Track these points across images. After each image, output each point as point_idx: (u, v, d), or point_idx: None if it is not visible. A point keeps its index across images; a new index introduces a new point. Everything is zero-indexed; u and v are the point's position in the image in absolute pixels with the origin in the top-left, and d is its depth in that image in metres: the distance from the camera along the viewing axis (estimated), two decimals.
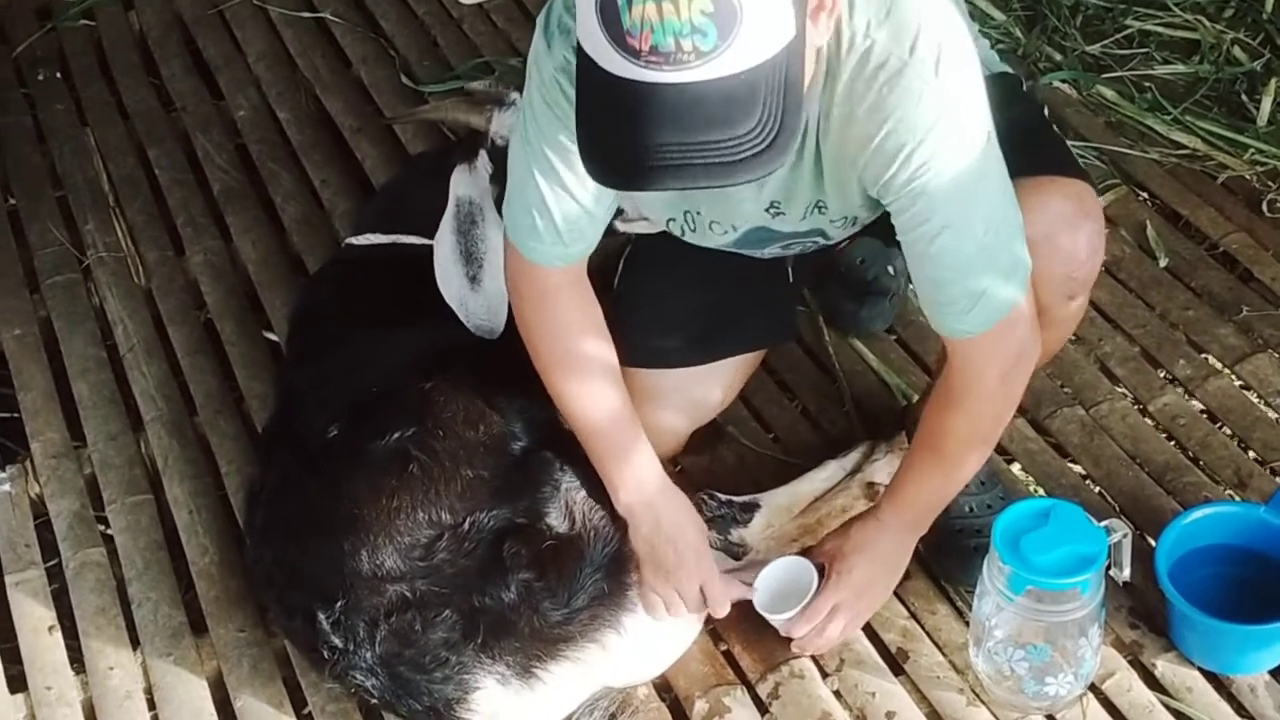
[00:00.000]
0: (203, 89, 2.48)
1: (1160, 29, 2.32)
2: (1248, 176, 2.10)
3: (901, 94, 1.23)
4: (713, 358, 1.70)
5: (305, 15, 2.60)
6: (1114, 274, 1.97)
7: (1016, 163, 1.32)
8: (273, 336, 2.04)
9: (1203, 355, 1.88)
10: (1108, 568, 1.46)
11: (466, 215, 1.75)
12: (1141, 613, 1.59)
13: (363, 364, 1.67)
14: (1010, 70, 1.59)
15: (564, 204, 1.37)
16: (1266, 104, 2.15)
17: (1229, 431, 1.80)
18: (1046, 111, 1.61)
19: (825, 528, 1.65)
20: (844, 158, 1.32)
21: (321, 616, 1.46)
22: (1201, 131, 2.15)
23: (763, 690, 1.57)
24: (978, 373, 1.40)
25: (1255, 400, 1.83)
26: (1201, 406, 1.83)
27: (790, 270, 1.75)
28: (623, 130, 1.09)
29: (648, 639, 1.54)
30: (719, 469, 1.79)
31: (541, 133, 1.34)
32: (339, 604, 1.45)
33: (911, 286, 1.46)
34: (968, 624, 1.56)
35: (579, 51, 1.12)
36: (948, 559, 1.64)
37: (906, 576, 1.63)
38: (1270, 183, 2.08)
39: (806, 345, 1.93)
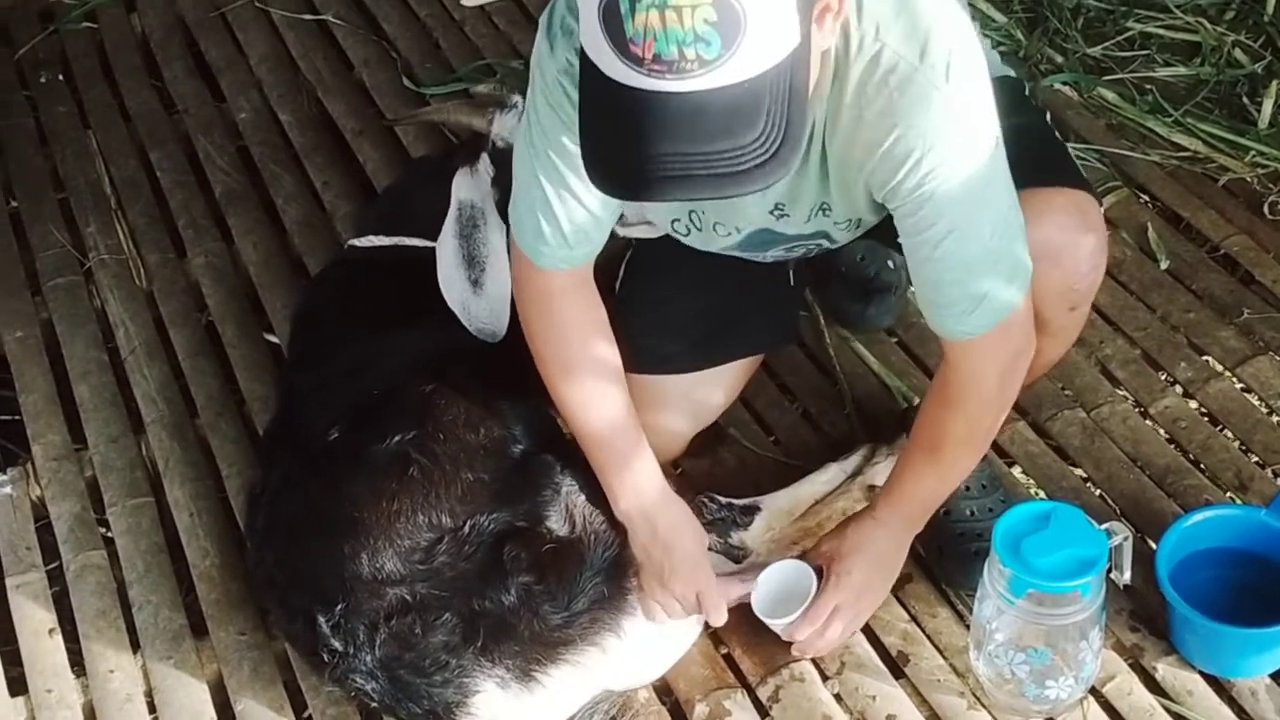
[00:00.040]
0: (204, 91, 2.49)
1: (1161, 31, 2.32)
2: (1249, 179, 2.10)
3: (912, 99, 1.23)
4: (715, 362, 1.70)
5: (307, 18, 2.60)
6: (1115, 276, 1.97)
7: (1020, 173, 1.32)
8: (274, 339, 2.04)
9: (1204, 358, 1.88)
10: (1108, 571, 1.46)
11: (468, 219, 1.76)
12: (1142, 616, 1.59)
13: (364, 366, 1.67)
14: (1012, 73, 1.59)
15: (569, 208, 1.36)
16: (1268, 106, 2.15)
17: (1230, 434, 1.79)
18: (1049, 117, 1.61)
19: (825, 531, 1.65)
20: (850, 161, 1.31)
21: (321, 619, 1.46)
22: (1202, 134, 2.15)
23: (763, 693, 1.57)
24: (976, 373, 1.40)
25: (1256, 403, 1.83)
26: (1203, 409, 1.83)
27: (791, 273, 1.75)
28: (625, 139, 1.09)
29: (647, 642, 1.54)
30: (719, 471, 1.79)
31: (545, 136, 1.33)
32: (339, 607, 1.45)
33: (912, 288, 1.46)
34: (968, 627, 1.56)
35: (582, 56, 1.12)
36: (948, 562, 1.64)
37: (907, 579, 1.63)
38: (1271, 185, 2.08)
39: (807, 348, 1.93)
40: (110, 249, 2.20)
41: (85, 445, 1.93)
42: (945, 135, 1.24)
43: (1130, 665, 1.55)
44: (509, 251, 1.71)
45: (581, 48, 1.12)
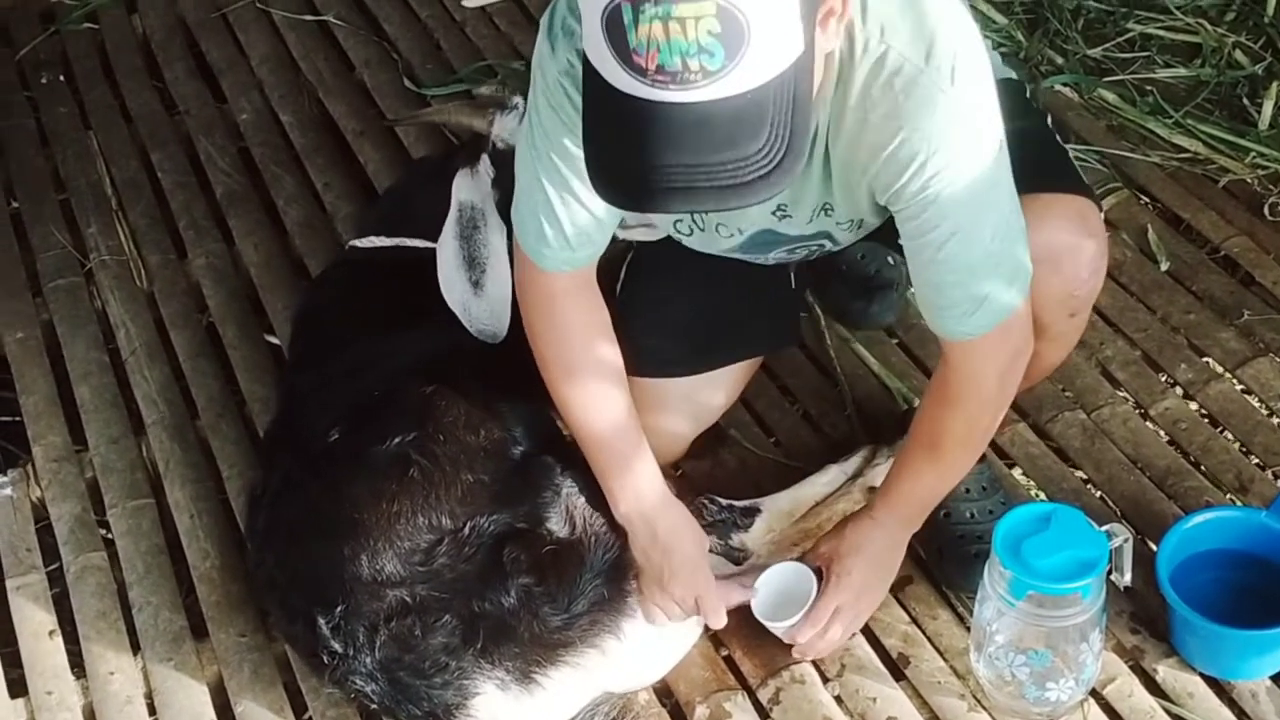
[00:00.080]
0: (205, 92, 2.49)
1: (1162, 33, 2.32)
2: (1249, 180, 2.09)
3: (917, 103, 1.22)
4: (716, 365, 1.70)
5: (308, 18, 2.60)
6: (1115, 278, 1.97)
7: (1021, 178, 1.32)
8: (274, 340, 2.04)
9: (1204, 359, 1.88)
10: (1109, 573, 1.46)
11: (469, 220, 1.76)
12: (1143, 618, 1.59)
13: (364, 367, 1.67)
14: (1014, 75, 1.58)
15: (572, 210, 1.36)
16: (1268, 108, 2.15)
17: (1230, 436, 1.79)
18: (1050, 120, 1.61)
19: (827, 532, 1.64)
20: (854, 163, 1.31)
21: (321, 621, 1.46)
22: (1203, 135, 2.15)
23: (763, 695, 1.57)
24: (976, 373, 1.40)
25: (1257, 404, 1.83)
26: (1203, 411, 1.83)
27: (792, 276, 1.75)
28: (629, 149, 1.08)
29: (647, 644, 1.54)
30: (720, 473, 1.79)
31: (548, 138, 1.33)
32: (339, 609, 1.45)
33: (912, 289, 1.46)
34: (969, 629, 1.56)
35: (585, 62, 1.12)
36: (949, 565, 1.64)
37: (908, 581, 1.63)
38: (1272, 186, 2.08)
39: (808, 350, 1.93)
40: (111, 250, 2.20)
41: (86, 446, 1.93)
42: (950, 139, 1.24)
43: (1131, 667, 1.55)
44: (509, 253, 1.72)
45: (585, 54, 1.11)
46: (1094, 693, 1.53)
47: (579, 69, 1.25)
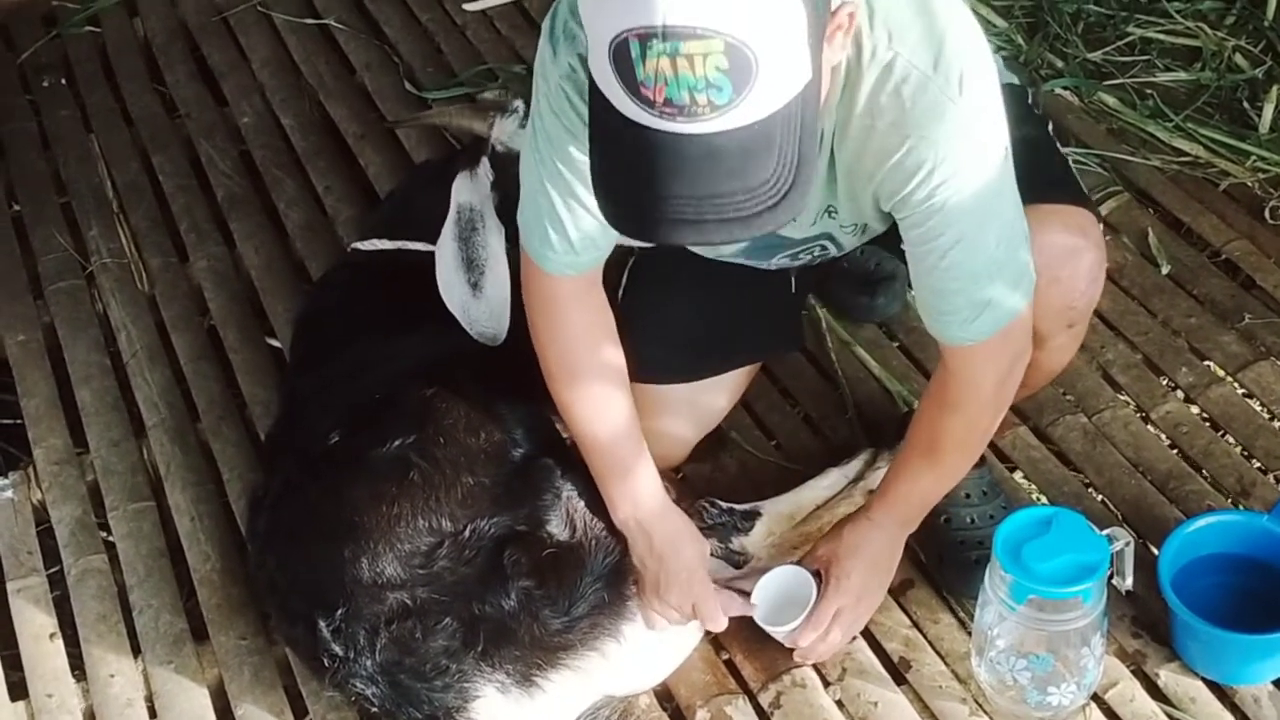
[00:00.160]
0: (207, 95, 2.49)
1: (1162, 36, 2.32)
2: (1250, 184, 2.10)
3: (924, 111, 1.21)
4: (719, 370, 1.70)
5: (309, 22, 2.60)
6: (1116, 281, 1.97)
7: (1021, 187, 1.32)
8: (275, 343, 2.04)
9: (1205, 363, 1.88)
10: (1110, 576, 1.46)
11: (467, 222, 1.76)
12: (1144, 622, 1.59)
13: (365, 370, 1.67)
14: (1016, 80, 1.59)
15: (576, 215, 1.36)
16: (1268, 111, 2.15)
17: (1232, 439, 1.79)
18: (1051, 127, 1.61)
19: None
20: (860, 169, 1.31)
21: (322, 624, 1.46)
22: (1203, 139, 2.15)
23: (764, 699, 1.57)
24: (975, 378, 1.40)
25: (1258, 408, 1.83)
26: (1204, 414, 1.83)
27: (793, 280, 1.75)
28: (637, 178, 1.08)
29: (648, 648, 1.54)
30: (721, 476, 1.79)
31: (551, 143, 1.33)
32: (339, 612, 1.45)
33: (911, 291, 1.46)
34: (970, 633, 1.56)
35: (591, 83, 1.11)
36: (949, 570, 1.64)
37: (909, 585, 1.63)
38: (1272, 190, 2.08)
39: (809, 352, 1.93)
40: (112, 253, 2.20)
41: (86, 449, 1.93)
42: (957, 147, 1.23)
43: (1132, 671, 1.55)
44: (509, 255, 1.72)
45: (591, 76, 1.11)
46: (1095, 697, 1.52)
47: (581, 73, 1.25)
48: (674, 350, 1.65)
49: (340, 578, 1.46)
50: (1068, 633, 1.43)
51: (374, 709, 1.50)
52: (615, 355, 1.49)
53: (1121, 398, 1.84)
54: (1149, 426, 1.81)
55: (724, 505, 1.66)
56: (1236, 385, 1.85)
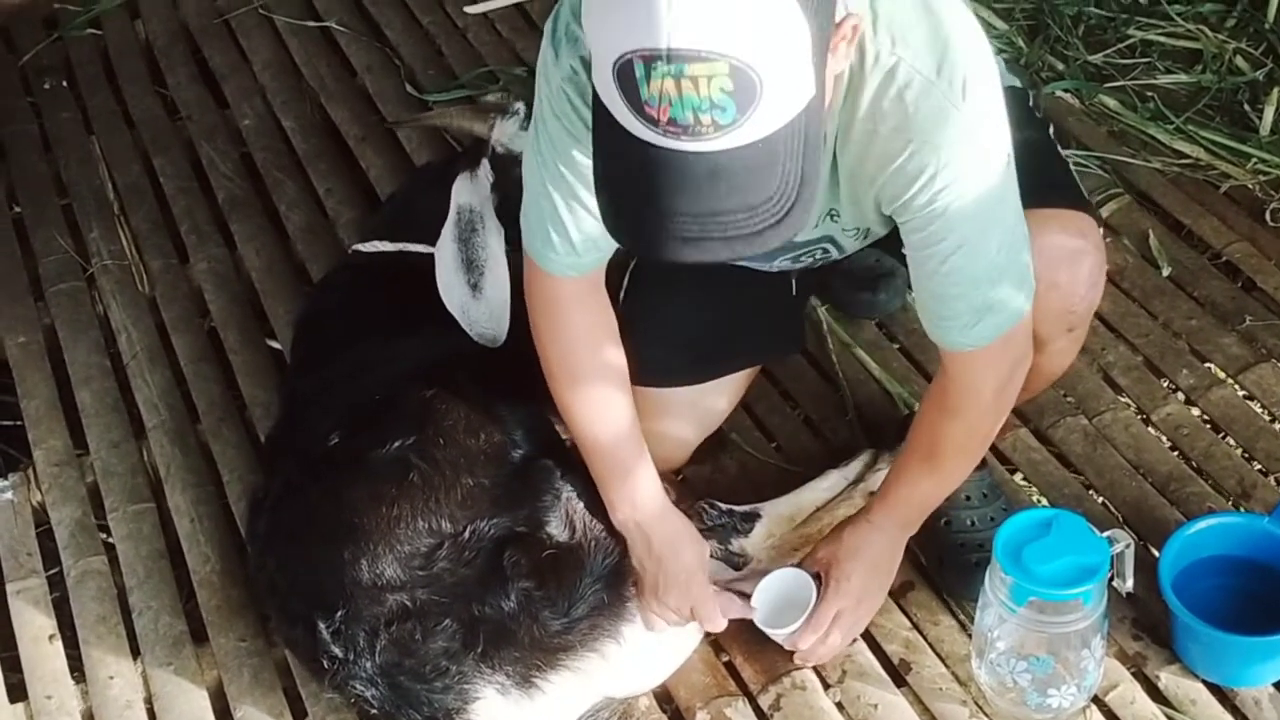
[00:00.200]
0: (208, 98, 2.49)
1: (1163, 39, 2.32)
2: (1250, 186, 2.09)
3: (927, 116, 1.21)
4: (720, 374, 1.70)
5: (310, 24, 2.61)
6: (1117, 283, 1.97)
7: (1023, 191, 1.31)
8: (276, 345, 2.04)
9: (1206, 365, 1.88)
10: (1110, 579, 1.46)
11: (467, 223, 1.76)
12: (1145, 624, 1.58)
13: (365, 371, 1.67)
14: (1018, 83, 1.58)
15: (578, 217, 1.36)
16: (1269, 113, 2.15)
17: (1232, 442, 1.79)
18: (1052, 130, 1.61)
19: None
20: (862, 173, 1.31)
21: (322, 626, 1.46)
22: (1204, 141, 2.15)
23: (764, 701, 1.56)
24: (975, 383, 1.40)
25: (1259, 410, 1.82)
26: (1205, 416, 1.82)
27: (794, 283, 1.75)
28: (640, 194, 1.08)
29: (648, 649, 1.54)
30: (721, 478, 1.79)
31: (553, 145, 1.33)
32: (339, 613, 1.45)
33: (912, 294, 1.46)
34: (970, 635, 1.56)
35: (595, 97, 1.11)
36: (949, 573, 1.63)
37: (909, 587, 1.63)
38: (1273, 192, 2.08)
39: (809, 354, 1.93)
40: (113, 254, 2.20)
41: (86, 451, 1.93)
42: (960, 153, 1.23)
43: (1133, 674, 1.55)
44: (507, 256, 1.72)
45: (596, 92, 1.10)
46: (1096, 699, 1.52)
47: (583, 75, 1.25)
48: (675, 353, 1.65)
49: (340, 579, 1.46)
50: (1068, 635, 1.43)
51: (374, 711, 1.50)
52: (617, 357, 1.49)
53: (1122, 400, 1.84)
54: (1150, 428, 1.81)
55: (724, 507, 1.66)
56: (1237, 387, 1.85)
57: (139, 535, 1.81)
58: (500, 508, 1.50)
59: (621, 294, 1.71)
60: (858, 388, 1.88)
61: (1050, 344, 1.49)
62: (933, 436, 1.46)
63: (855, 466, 1.72)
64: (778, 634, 1.54)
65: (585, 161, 1.28)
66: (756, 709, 1.56)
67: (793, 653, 1.55)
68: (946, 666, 1.58)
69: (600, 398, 1.49)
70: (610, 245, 1.42)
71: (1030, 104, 1.59)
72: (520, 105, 1.89)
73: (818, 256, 1.58)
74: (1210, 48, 2.28)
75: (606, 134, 1.10)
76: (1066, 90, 2.26)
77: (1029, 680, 1.47)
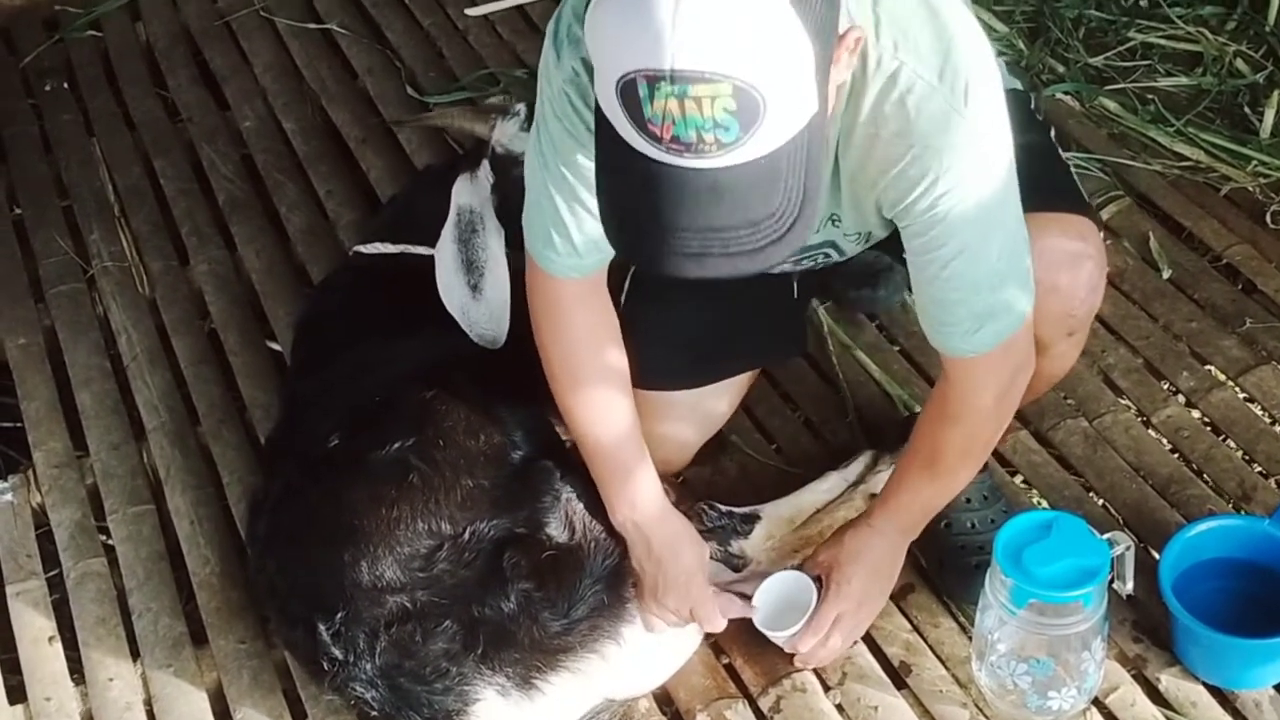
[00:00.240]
0: (209, 99, 2.49)
1: (1163, 41, 2.32)
2: (1251, 188, 2.10)
3: (929, 121, 1.21)
4: (721, 376, 1.70)
5: (311, 26, 2.61)
6: (1117, 285, 1.97)
7: (1023, 195, 1.31)
8: (276, 346, 2.04)
9: (1206, 367, 1.88)
10: (1111, 581, 1.45)
11: (467, 224, 1.76)
12: (1145, 626, 1.58)
13: (365, 373, 1.67)
14: (1019, 85, 1.58)
15: (579, 218, 1.36)
16: (1269, 116, 2.15)
17: (1233, 444, 1.79)
18: (1053, 133, 1.61)
19: (827, 539, 1.64)
20: (864, 178, 1.30)
21: (322, 628, 1.46)
22: (1204, 143, 2.15)
23: (764, 704, 1.56)
24: (975, 391, 1.39)
25: (1259, 413, 1.82)
26: (1205, 419, 1.82)
27: (795, 285, 1.75)
28: (642, 209, 1.08)
29: (648, 650, 1.54)
30: (721, 479, 1.79)
31: (555, 147, 1.33)
32: (339, 615, 1.45)
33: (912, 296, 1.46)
34: (971, 637, 1.56)
35: (598, 111, 1.11)
36: (949, 576, 1.63)
37: (910, 589, 1.63)
38: (1273, 195, 2.08)
39: (810, 356, 1.93)
40: (113, 256, 2.20)
41: (86, 452, 1.93)
42: (961, 158, 1.23)
43: (1133, 676, 1.55)
44: (507, 258, 1.72)
45: (599, 106, 1.10)
46: (1096, 702, 1.52)
47: (584, 77, 1.25)
48: (677, 355, 1.65)
49: (340, 581, 1.46)
50: (1068, 637, 1.43)
51: (374, 712, 1.50)
52: (618, 358, 1.49)
53: (1122, 402, 1.84)
54: (1150, 431, 1.81)
55: (723, 508, 1.66)
56: (1238, 390, 1.85)
57: (139, 537, 1.81)
58: (500, 509, 1.50)
59: (623, 296, 1.71)
60: (858, 390, 1.88)
61: (1051, 347, 1.49)
62: (934, 442, 1.46)
63: (855, 468, 1.72)
64: (778, 636, 1.54)
65: (587, 163, 1.28)
66: (756, 711, 1.56)
67: (793, 655, 1.55)
68: (947, 669, 1.58)
69: (601, 399, 1.49)
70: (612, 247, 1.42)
71: (1031, 107, 1.59)
72: (521, 106, 1.89)
73: (819, 260, 1.58)
74: (1211, 50, 2.28)
75: (609, 147, 1.10)
76: (1067, 93, 2.26)
77: (1029, 682, 1.47)
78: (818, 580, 1.54)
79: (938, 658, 1.59)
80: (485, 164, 1.83)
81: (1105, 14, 2.36)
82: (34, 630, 1.72)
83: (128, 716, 1.63)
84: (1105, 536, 1.44)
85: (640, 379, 1.54)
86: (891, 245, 1.41)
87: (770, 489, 1.72)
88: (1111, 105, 2.23)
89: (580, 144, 1.29)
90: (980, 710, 1.54)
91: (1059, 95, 2.25)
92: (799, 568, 1.59)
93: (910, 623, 1.62)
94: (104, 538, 1.84)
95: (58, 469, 1.90)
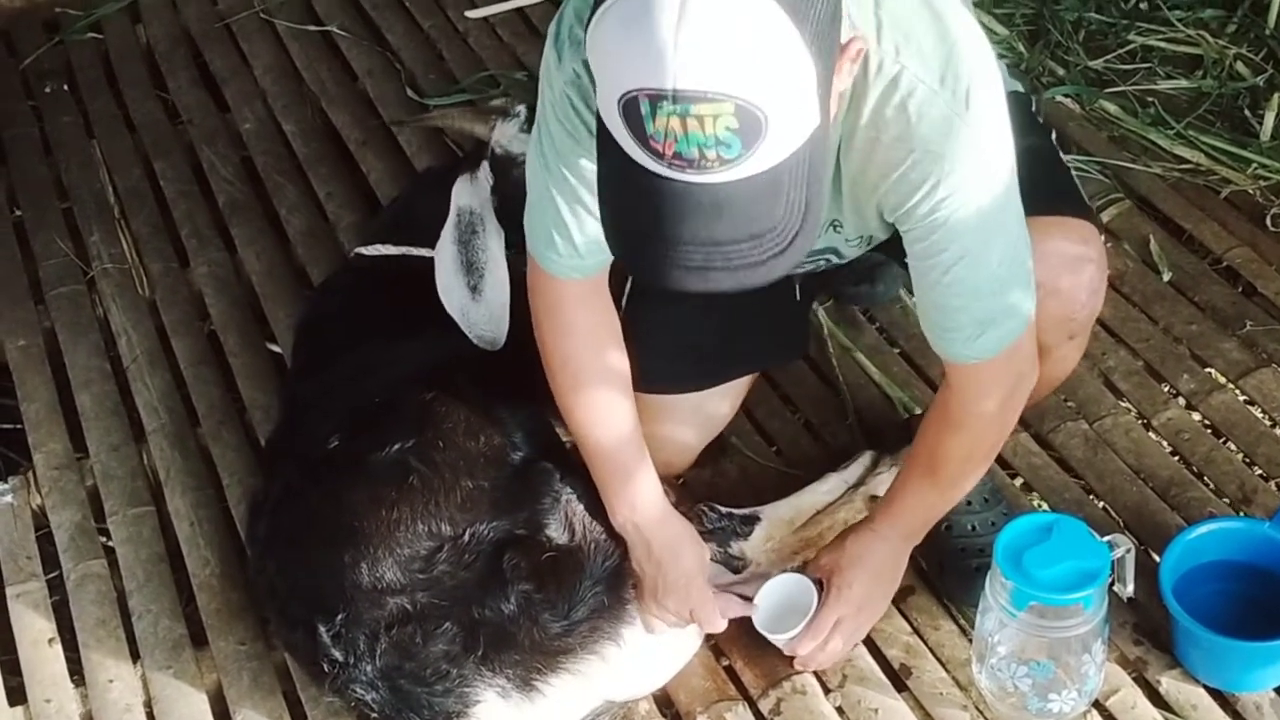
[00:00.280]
0: (209, 102, 2.49)
1: (1163, 44, 2.32)
2: (1251, 191, 2.10)
3: (930, 125, 1.21)
4: (723, 380, 1.70)
5: (311, 29, 2.61)
6: (1117, 288, 1.97)
7: (1024, 198, 1.31)
8: (276, 348, 2.04)
9: (1206, 370, 1.88)
10: (1111, 583, 1.45)
11: (467, 225, 1.76)
12: (1146, 629, 1.58)
13: (365, 375, 1.67)
14: (1021, 88, 1.58)
15: (581, 220, 1.36)
16: (1269, 119, 2.15)
17: (1233, 447, 1.79)
18: (1054, 136, 1.60)
19: (827, 541, 1.64)
20: (865, 182, 1.30)
21: (322, 629, 1.46)
22: (1205, 146, 2.15)
23: (764, 706, 1.56)
24: (978, 398, 1.39)
25: (1259, 415, 1.82)
26: (1206, 421, 1.82)
27: (797, 288, 1.75)
28: (645, 222, 1.08)
29: (648, 652, 1.53)
30: (721, 481, 1.79)
31: (556, 149, 1.33)
32: (339, 617, 1.45)
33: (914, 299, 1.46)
34: (971, 640, 1.55)
35: (600, 123, 1.11)
36: (949, 578, 1.63)
37: (910, 592, 1.63)
38: (1274, 197, 2.08)
39: (809, 358, 1.93)
40: (113, 258, 2.20)
41: (86, 454, 1.93)
42: (963, 163, 1.22)
43: (1134, 679, 1.55)
44: (507, 259, 1.72)
45: (601, 119, 1.10)
46: (1097, 704, 1.52)
47: (585, 79, 1.25)
48: (680, 360, 1.64)
49: (340, 583, 1.46)
50: (1069, 639, 1.43)
51: (374, 714, 1.49)
52: (619, 359, 1.49)
53: (1123, 404, 1.84)
54: (1150, 433, 1.81)
55: (723, 510, 1.66)
56: (1238, 392, 1.85)
57: (139, 539, 1.81)
58: (500, 510, 1.50)
59: (624, 298, 1.71)
60: (858, 392, 1.88)
61: (1052, 351, 1.49)
62: (936, 449, 1.46)
63: (855, 470, 1.72)
64: (778, 638, 1.54)
65: (588, 165, 1.28)
66: (757, 713, 1.56)
67: (793, 658, 1.55)
68: (947, 671, 1.57)
69: (602, 400, 1.48)
70: None
71: (1033, 109, 1.59)
72: (522, 107, 1.89)
73: (821, 265, 1.58)
74: (1211, 53, 2.29)
75: (611, 158, 1.10)
76: (1067, 96, 2.26)
77: (1029, 685, 1.47)
78: (819, 583, 1.54)
79: (938, 660, 1.59)
80: (485, 165, 1.83)
81: (1105, 17, 2.37)
82: (34, 632, 1.72)
83: (128, 718, 1.63)
84: (1106, 539, 1.44)
85: (643, 383, 1.54)
86: (893, 248, 1.41)
87: (770, 491, 1.72)
88: (1112, 108, 2.23)
89: (581, 145, 1.29)
90: (981, 713, 1.53)
91: (1059, 98, 2.25)
92: (801, 570, 1.59)
93: (910, 625, 1.62)
94: (104, 539, 1.84)
95: (58, 471, 1.90)
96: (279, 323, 2.06)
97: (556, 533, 1.50)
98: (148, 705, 1.65)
